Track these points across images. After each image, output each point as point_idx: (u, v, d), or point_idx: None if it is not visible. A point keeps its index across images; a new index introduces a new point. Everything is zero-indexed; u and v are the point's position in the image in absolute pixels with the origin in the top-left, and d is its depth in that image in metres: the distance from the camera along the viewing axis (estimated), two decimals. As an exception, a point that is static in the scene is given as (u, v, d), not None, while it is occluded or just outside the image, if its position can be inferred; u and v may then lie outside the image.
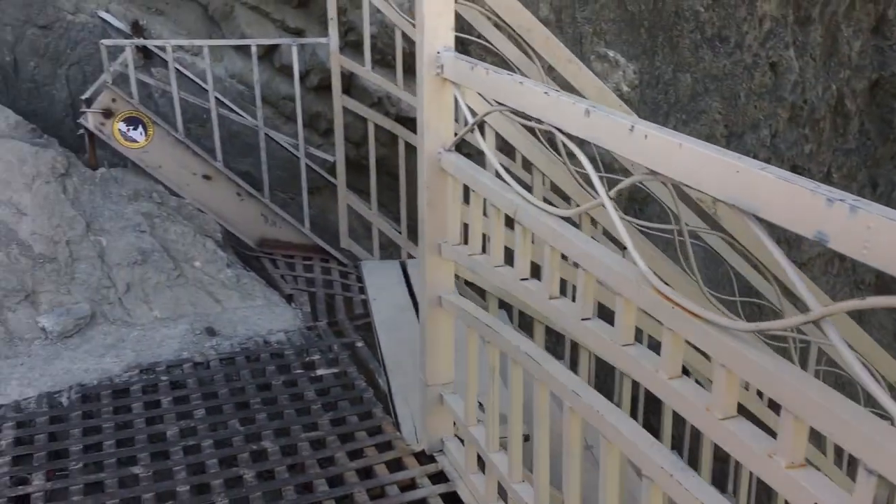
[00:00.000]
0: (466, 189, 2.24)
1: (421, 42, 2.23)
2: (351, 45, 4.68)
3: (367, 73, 3.93)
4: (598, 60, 4.98)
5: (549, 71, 2.77)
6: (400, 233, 4.14)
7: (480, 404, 2.42)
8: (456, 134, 2.31)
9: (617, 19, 4.91)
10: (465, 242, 2.28)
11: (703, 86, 5.05)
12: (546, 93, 1.72)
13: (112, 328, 3.22)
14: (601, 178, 1.63)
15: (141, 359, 3.08)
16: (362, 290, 3.86)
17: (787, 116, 5.06)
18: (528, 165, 2.98)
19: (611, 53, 4.97)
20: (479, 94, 2.46)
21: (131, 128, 3.78)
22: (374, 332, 3.39)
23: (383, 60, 4.64)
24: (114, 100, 3.75)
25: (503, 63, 3.17)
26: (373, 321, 3.46)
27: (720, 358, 1.28)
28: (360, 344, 3.35)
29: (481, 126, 2.35)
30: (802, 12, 5.04)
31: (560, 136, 1.70)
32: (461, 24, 3.83)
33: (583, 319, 1.68)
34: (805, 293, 1.12)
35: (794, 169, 5.15)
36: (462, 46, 4.76)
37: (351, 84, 4.70)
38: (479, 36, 2.94)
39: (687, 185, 1.32)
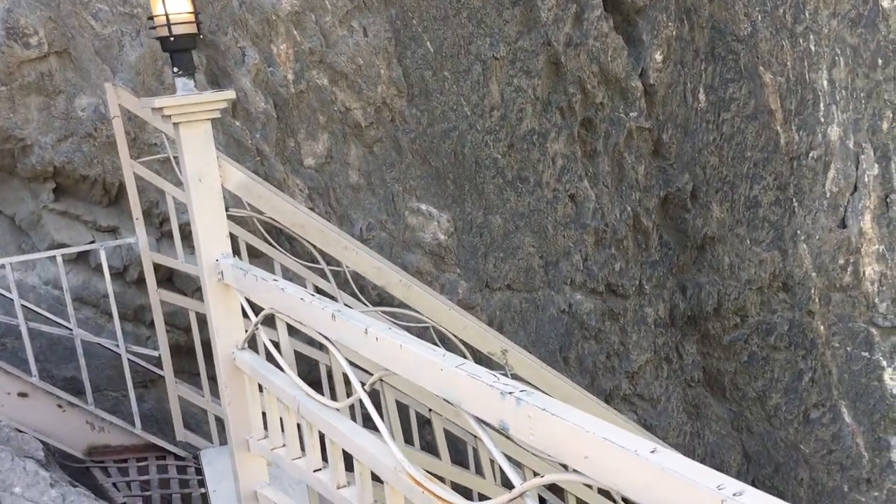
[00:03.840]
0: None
1: (199, 250, 2.35)
2: (168, 234, 4.72)
3: (180, 265, 3.99)
4: (413, 215, 5.26)
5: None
6: (237, 415, 4.10)
7: None
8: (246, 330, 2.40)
9: (424, 175, 5.23)
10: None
11: (514, 224, 5.41)
12: (302, 298, 1.85)
13: (-79, 581, 2.99)
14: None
15: None
16: (202, 483, 3.78)
17: (593, 240, 5.48)
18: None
19: (423, 207, 5.25)
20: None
21: (-68, 361, 3.63)
22: (214, 527, 3.31)
23: (202, 245, 4.70)
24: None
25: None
26: (212, 515, 3.38)
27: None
28: (198, 544, 3.26)
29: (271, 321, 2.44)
30: (588, 147, 5.55)
31: (316, 334, 1.82)
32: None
33: (364, 508, 1.76)
34: (509, 471, 1.25)
35: (609, 287, 5.53)
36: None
37: (173, 271, 4.71)
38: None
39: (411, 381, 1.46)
